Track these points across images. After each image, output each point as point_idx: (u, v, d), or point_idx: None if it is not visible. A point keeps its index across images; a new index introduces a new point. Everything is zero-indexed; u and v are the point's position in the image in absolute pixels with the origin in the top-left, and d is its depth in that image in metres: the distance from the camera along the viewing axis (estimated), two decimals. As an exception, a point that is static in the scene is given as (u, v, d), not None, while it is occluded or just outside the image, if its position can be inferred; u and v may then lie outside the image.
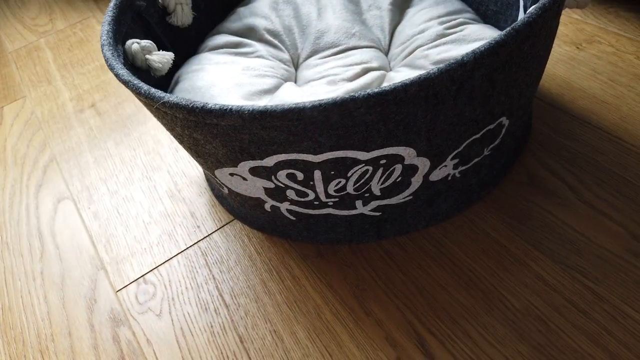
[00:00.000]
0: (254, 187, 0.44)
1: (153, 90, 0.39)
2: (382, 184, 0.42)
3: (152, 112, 0.43)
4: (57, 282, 0.52)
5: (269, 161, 0.40)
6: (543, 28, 0.38)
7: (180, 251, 0.52)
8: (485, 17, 0.61)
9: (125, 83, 0.40)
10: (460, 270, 0.45)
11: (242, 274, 0.49)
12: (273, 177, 0.41)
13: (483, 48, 0.34)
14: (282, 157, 0.39)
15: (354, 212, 0.45)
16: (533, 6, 0.38)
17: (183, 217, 0.55)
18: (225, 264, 0.50)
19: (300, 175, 0.41)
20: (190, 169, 0.61)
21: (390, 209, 0.45)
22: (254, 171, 0.42)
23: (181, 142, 0.44)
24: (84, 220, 0.58)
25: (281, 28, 0.60)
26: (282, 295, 0.46)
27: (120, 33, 0.50)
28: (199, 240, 0.53)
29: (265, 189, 0.44)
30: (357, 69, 0.54)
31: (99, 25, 0.94)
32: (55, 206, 0.60)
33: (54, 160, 0.67)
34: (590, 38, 0.64)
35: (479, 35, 0.54)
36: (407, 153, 0.39)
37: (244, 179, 0.43)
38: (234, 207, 0.52)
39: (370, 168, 0.40)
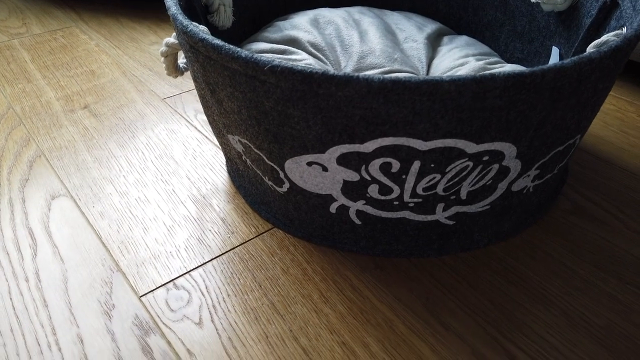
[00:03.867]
0: (332, 181, 0.41)
1: (256, 55, 0.35)
2: (473, 185, 0.40)
3: (227, 85, 0.39)
4: (59, 284, 0.43)
5: (370, 146, 0.37)
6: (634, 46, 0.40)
7: (214, 256, 0.46)
8: (509, 63, 0.65)
9: (218, 48, 0.37)
10: (532, 287, 0.43)
11: (292, 283, 0.43)
12: (364, 167, 0.38)
13: (606, 49, 0.35)
14: (388, 141, 0.36)
15: (430, 217, 0.43)
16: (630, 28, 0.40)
17: (213, 223, 0.49)
18: (270, 271, 0.44)
19: (396, 166, 0.38)
20: (214, 176, 0.55)
21: (465, 218, 0.43)
22: (343, 159, 0.38)
23: (258, 122, 0.40)
24: (88, 219, 0.50)
25: (324, 44, 0.59)
26: (344, 305, 0.42)
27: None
28: (236, 247, 0.47)
29: (346, 182, 0.40)
30: (406, 88, 0.54)
31: (83, 34, 0.88)
32: (49, 203, 0.52)
33: (42, 155, 0.58)
34: (593, 97, 0.70)
35: (520, 72, 0.56)
36: (510, 151, 0.38)
37: (325, 169, 0.40)
38: (280, 212, 0.48)
39: (471, 164, 0.38)
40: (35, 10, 0.97)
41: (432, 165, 0.38)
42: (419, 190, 0.40)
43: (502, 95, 0.34)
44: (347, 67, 0.58)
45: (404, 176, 0.39)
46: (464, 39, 0.65)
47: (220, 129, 0.47)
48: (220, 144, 0.51)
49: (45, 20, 0.93)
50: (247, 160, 0.46)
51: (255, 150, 0.43)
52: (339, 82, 0.33)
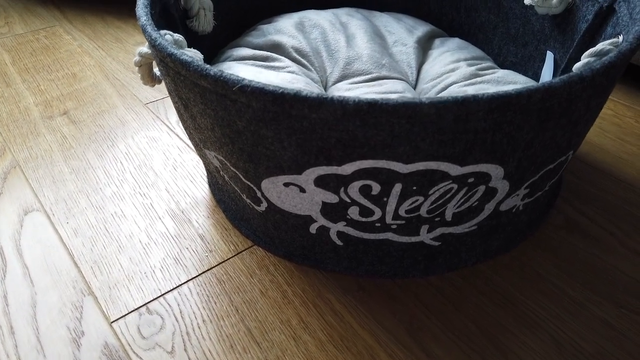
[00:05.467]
0: (310, 202, 0.39)
1: (225, 73, 0.33)
2: (458, 207, 0.38)
3: (199, 102, 0.37)
4: (28, 309, 0.41)
5: (348, 168, 0.35)
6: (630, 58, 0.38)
7: (190, 277, 0.44)
8: (502, 68, 0.63)
9: (186, 64, 0.34)
10: (520, 310, 0.41)
11: (271, 307, 0.42)
12: (342, 190, 0.36)
13: (598, 66, 0.33)
14: (367, 163, 0.34)
15: (414, 239, 0.41)
16: (624, 39, 0.38)
17: (191, 240, 0.47)
18: (248, 294, 0.43)
19: (376, 189, 0.36)
20: (194, 188, 0.53)
21: (451, 239, 0.41)
22: (321, 181, 0.36)
23: (232, 141, 0.38)
24: (61, 237, 0.48)
25: (309, 49, 0.57)
26: (324, 332, 0.40)
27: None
28: (213, 267, 0.45)
29: (324, 204, 0.38)
30: (393, 96, 0.52)
31: (67, 34, 0.85)
32: (21, 219, 0.50)
33: (17, 167, 0.56)
34: (590, 101, 0.67)
35: (513, 79, 0.54)
36: (496, 173, 0.36)
37: (302, 190, 0.38)
38: (260, 229, 0.46)
39: (455, 187, 0.36)
40: (19, 9, 0.95)
41: (414, 187, 0.36)
42: (402, 213, 0.38)
43: (486, 118, 0.32)
44: (333, 73, 0.56)
45: (385, 199, 0.37)
46: (455, 42, 0.63)
47: (197, 143, 0.45)
48: (199, 156, 0.49)
49: (29, 19, 0.90)
50: (225, 176, 0.44)
51: (232, 168, 0.41)
52: (312, 104, 0.31)
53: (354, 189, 0.36)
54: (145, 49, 0.45)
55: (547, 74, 0.57)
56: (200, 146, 0.45)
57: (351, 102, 0.31)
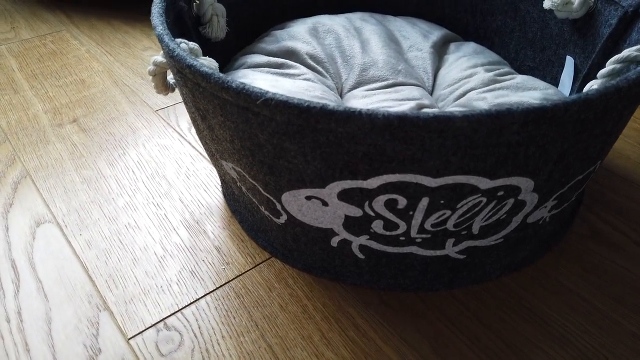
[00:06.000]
0: (333, 216, 0.37)
1: (248, 85, 0.32)
2: (485, 220, 0.37)
3: (218, 114, 0.36)
4: (43, 325, 0.40)
5: (374, 182, 0.34)
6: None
7: (208, 292, 0.43)
8: (519, 72, 0.62)
9: (207, 76, 0.33)
10: (547, 324, 0.40)
11: (291, 322, 0.41)
12: (367, 204, 0.35)
13: (634, 76, 0.32)
14: (394, 177, 0.33)
15: (439, 252, 0.39)
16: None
17: (207, 252, 0.46)
18: (268, 308, 0.41)
19: (402, 203, 0.35)
20: (208, 197, 0.52)
21: (477, 252, 0.40)
22: (345, 195, 0.35)
23: (252, 153, 0.36)
24: (74, 249, 0.47)
25: (324, 55, 0.56)
26: (347, 348, 0.39)
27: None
28: (231, 280, 0.44)
29: (347, 218, 0.37)
30: (411, 104, 0.51)
31: (74, 39, 0.84)
32: (34, 230, 0.49)
33: (28, 176, 0.55)
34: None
35: (532, 85, 0.53)
36: (526, 186, 0.35)
37: (325, 204, 0.37)
38: (278, 241, 0.45)
39: (484, 200, 0.35)
40: (25, 14, 0.94)
41: (442, 201, 0.35)
42: (428, 226, 0.37)
43: (521, 131, 0.30)
44: (349, 80, 0.55)
45: (411, 212, 0.36)
46: (471, 46, 0.62)
47: (214, 153, 0.44)
48: (214, 166, 0.48)
49: (35, 24, 0.89)
50: (242, 187, 0.43)
51: (250, 180, 0.40)
52: (339, 117, 0.30)
53: (379, 203, 0.35)
54: (160, 58, 0.44)
55: (566, 79, 0.56)
56: (216, 157, 0.44)
57: (380, 116, 0.30)
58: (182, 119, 0.65)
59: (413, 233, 0.37)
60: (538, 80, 0.54)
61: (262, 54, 0.55)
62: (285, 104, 0.31)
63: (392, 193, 0.34)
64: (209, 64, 0.43)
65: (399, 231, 0.37)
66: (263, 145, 0.35)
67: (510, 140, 0.31)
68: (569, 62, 0.55)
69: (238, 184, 0.44)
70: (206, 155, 0.58)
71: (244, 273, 0.45)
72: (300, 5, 0.66)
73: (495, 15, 0.63)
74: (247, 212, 0.47)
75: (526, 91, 0.52)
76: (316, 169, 0.34)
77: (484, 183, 0.34)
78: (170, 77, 0.49)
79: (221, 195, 0.53)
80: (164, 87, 0.48)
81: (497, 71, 0.56)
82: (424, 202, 0.35)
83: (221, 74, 0.33)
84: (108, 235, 0.48)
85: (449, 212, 0.36)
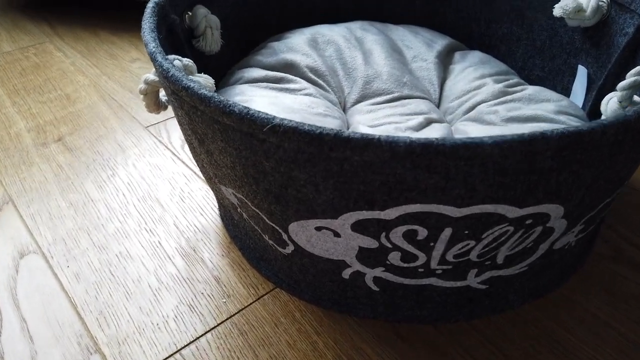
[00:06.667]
0: (345, 247, 0.34)
1: (253, 110, 0.29)
2: (511, 250, 0.34)
3: (218, 139, 0.33)
4: (27, 371, 0.37)
5: (392, 213, 0.31)
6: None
7: (209, 329, 0.40)
8: (528, 82, 0.59)
9: (206, 100, 0.30)
10: (576, 357, 0.37)
11: (300, 361, 0.37)
12: (384, 235, 0.32)
13: (674, 93, 0.29)
14: (414, 208, 0.30)
15: (459, 283, 0.37)
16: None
17: (205, 283, 0.43)
18: (275, 347, 0.38)
19: (423, 234, 0.32)
20: (205, 221, 0.49)
21: (500, 281, 0.38)
22: (359, 226, 0.32)
23: (256, 181, 0.33)
24: (62, 283, 0.43)
25: (325, 68, 0.53)
26: (362, 390, 0.36)
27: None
28: (233, 315, 0.41)
29: (362, 249, 0.34)
30: (419, 118, 0.48)
31: (58, 51, 0.80)
32: (17, 263, 0.45)
33: (10, 202, 0.52)
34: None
35: (545, 96, 0.50)
36: (556, 213, 0.32)
37: (337, 235, 0.34)
38: (283, 271, 0.42)
39: (512, 229, 0.32)
40: (6, 25, 0.90)
41: (466, 232, 0.32)
42: (449, 258, 0.34)
43: (554, 157, 0.28)
44: (352, 94, 0.52)
45: (432, 244, 0.33)
46: (477, 55, 0.59)
47: (211, 177, 0.41)
48: (212, 189, 0.45)
49: (17, 36, 0.86)
50: (244, 214, 0.40)
51: (253, 208, 0.37)
52: (356, 145, 0.27)
53: (397, 234, 0.32)
54: (151, 76, 0.41)
55: (579, 89, 0.53)
56: (214, 181, 0.41)
57: (402, 144, 0.27)
58: (175, 135, 0.61)
59: (433, 265, 0.35)
60: (550, 91, 0.52)
61: (259, 67, 0.52)
62: (295, 130, 0.28)
63: (412, 224, 0.31)
64: (205, 82, 0.40)
65: (418, 263, 0.34)
66: (269, 174, 0.32)
67: (542, 167, 0.28)
68: (582, 71, 0.53)
69: (239, 210, 0.41)
70: (201, 175, 0.55)
71: (246, 307, 0.41)
72: (297, 15, 0.63)
73: (500, 22, 0.61)
74: (248, 239, 0.44)
75: (539, 103, 0.50)
76: (328, 199, 0.31)
77: (512, 212, 0.31)
78: (162, 95, 0.45)
79: (219, 219, 0.50)
80: (156, 106, 0.44)
81: (506, 82, 0.53)
82: (447, 232, 0.32)
83: (222, 97, 0.30)
84: (98, 267, 0.45)
85: (473, 243, 0.33)
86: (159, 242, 0.47)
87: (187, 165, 0.56)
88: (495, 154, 0.27)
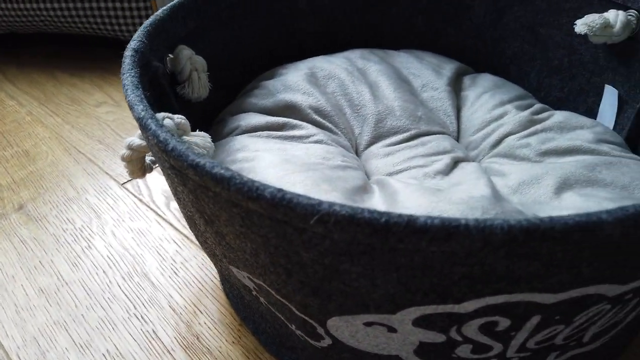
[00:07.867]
0: (402, 343, 0.28)
1: (290, 194, 0.22)
2: (602, 325, 0.28)
3: (236, 224, 0.26)
4: None
5: (470, 306, 0.24)
6: None
7: None
8: (545, 104, 0.54)
9: (223, 181, 0.23)
10: None
11: None
12: (455, 328, 0.26)
13: None
14: (499, 299, 0.24)
15: (536, 367, 0.30)
16: None
17: (218, 383, 0.36)
18: None
19: (504, 324, 0.26)
20: (206, 299, 0.42)
21: (577, 358, 0.32)
22: (424, 320, 0.26)
23: (287, 272, 0.26)
24: (37, 401, 0.35)
25: (330, 107, 0.46)
26: None
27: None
28: (257, 423, 0.33)
29: (422, 344, 0.28)
30: (445, 159, 0.42)
31: (11, 99, 0.71)
32: (-22, 377, 0.36)
33: (-35, 294, 0.43)
34: None
35: (577, 123, 0.45)
36: (659, 282, 0.26)
37: (392, 330, 0.27)
38: (313, 363, 0.35)
39: (609, 307, 0.26)
40: (-53, 71, 0.80)
41: (557, 317, 0.26)
42: (530, 345, 0.28)
43: (682, 227, 0.22)
44: (363, 135, 0.46)
45: (512, 333, 0.26)
46: (488, 78, 0.54)
47: (217, 256, 0.34)
48: (214, 264, 0.38)
49: (-39, 84, 0.76)
50: (261, 299, 0.33)
51: (279, 297, 0.30)
52: (436, 236, 0.21)
53: (471, 327, 0.26)
54: (137, 140, 0.33)
55: (608, 111, 0.49)
56: (222, 260, 0.34)
57: (498, 230, 0.20)
58: (157, 191, 0.54)
59: (510, 353, 0.28)
60: (579, 116, 0.47)
61: (255, 111, 0.45)
62: (352, 220, 0.21)
63: (494, 315, 0.25)
64: (203, 142, 0.33)
65: (491, 353, 0.28)
66: (307, 265, 0.25)
67: (664, 240, 0.22)
68: (611, 92, 0.48)
69: (254, 293, 0.34)
70: (194, 239, 0.47)
71: (272, 409, 0.34)
72: (289, 46, 0.56)
73: (509, 41, 0.56)
74: (265, 323, 0.37)
75: (572, 131, 0.45)
76: (387, 294, 0.24)
77: (613, 290, 0.25)
78: (149, 158, 0.38)
79: (222, 294, 0.42)
80: (142, 172, 0.37)
81: (530, 109, 0.48)
82: (534, 320, 0.26)
83: (244, 177, 0.23)
84: (82, 373, 0.37)
85: (562, 327, 0.27)
86: (153, 332, 0.39)
87: (175, 228, 0.49)
88: (616, 234, 0.21)
